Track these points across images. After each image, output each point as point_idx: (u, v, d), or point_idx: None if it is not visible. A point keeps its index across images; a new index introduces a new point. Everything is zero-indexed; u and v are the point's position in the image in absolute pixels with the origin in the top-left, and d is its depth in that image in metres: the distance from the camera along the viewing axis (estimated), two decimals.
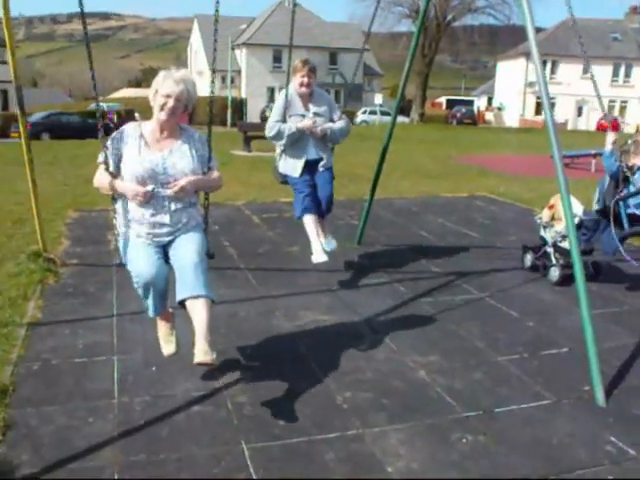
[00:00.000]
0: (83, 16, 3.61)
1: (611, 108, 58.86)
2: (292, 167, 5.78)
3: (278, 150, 5.92)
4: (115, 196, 3.76)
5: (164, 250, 3.72)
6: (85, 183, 11.48)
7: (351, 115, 51.60)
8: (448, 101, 68.96)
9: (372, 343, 4.47)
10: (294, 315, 4.97)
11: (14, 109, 40.93)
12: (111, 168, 3.67)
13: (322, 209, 5.82)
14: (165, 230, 3.68)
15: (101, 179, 3.70)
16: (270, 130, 5.68)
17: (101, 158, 3.71)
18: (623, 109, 58.90)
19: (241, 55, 57.39)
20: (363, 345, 4.44)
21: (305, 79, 5.57)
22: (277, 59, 57.02)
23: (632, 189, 5.86)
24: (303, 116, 5.68)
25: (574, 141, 31.12)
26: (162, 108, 3.60)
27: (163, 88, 3.59)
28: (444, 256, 6.90)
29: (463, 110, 52.89)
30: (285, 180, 5.93)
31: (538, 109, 59.17)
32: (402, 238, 7.67)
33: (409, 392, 3.79)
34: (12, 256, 6.27)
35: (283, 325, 4.78)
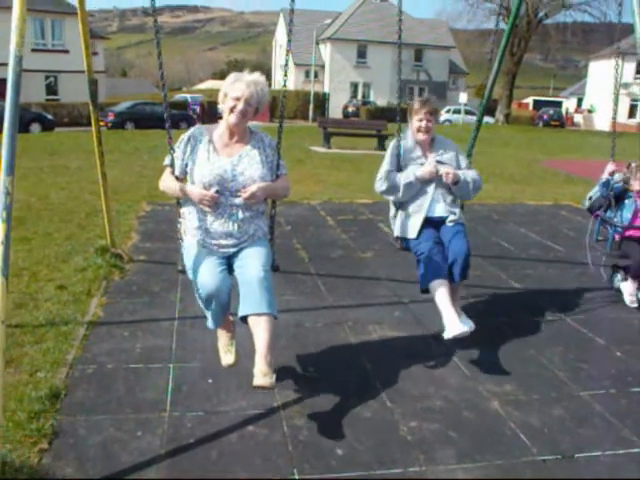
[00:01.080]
0: (155, 13, 3.55)
1: None
2: (409, 227, 4.59)
3: (392, 212, 4.86)
4: (181, 201, 3.68)
5: (228, 261, 3.57)
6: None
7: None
8: (535, 102, 66.90)
9: (443, 366, 4.16)
10: (362, 329, 4.71)
11: (102, 99, 42.43)
12: (177, 172, 3.60)
13: (454, 273, 4.41)
14: (232, 242, 3.55)
15: (167, 182, 3.65)
16: (381, 182, 4.62)
17: (167, 161, 3.66)
18: None
19: (325, 50, 57.31)
20: (434, 368, 4.13)
21: (424, 123, 4.59)
22: (361, 54, 56.68)
23: (617, 212, 5.70)
24: (423, 164, 4.63)
25: None
26: (232, 111, 3.51)
27: (233, 91, 3.51)
28: (525, 270, 6.48)
29: (551, 111, 51.09)
30: (405, 246, 4.70)
31: (632, 112, 56.68)
32: (481, 248, 7.25)
33: (480, 426, 3.46)
34: (82, 249, 6.27)
35: (350, 339, 4.52)
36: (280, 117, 3.89)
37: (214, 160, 3.52)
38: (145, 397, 3.58)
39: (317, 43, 53.43)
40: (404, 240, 4.67)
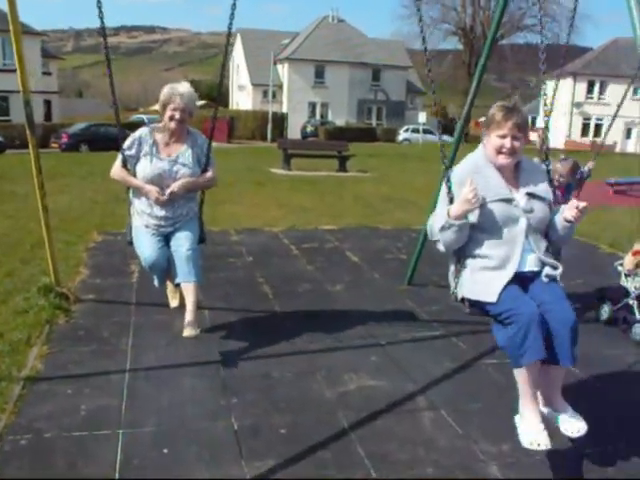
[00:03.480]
0: (104, 31, 4.07)
1: None
2: (485, 287, 3.21)
3: (452, 268, 3.51)
4: (130, 187, 4.51)
5: (166, 238, 4.51)
6: (115, 200, 10.97)
7: (393, 133, 50.97)
8: None
9: (431, 423, 3.68)
10: (337, 378, 4.22)
11: (57, 119, 41.33)
12: (128, 165, 4.43)
13: (559, 353, 3.18)
14: (169, 222, 4.48)
15: (123, 174, 4.43)
16: (441, 230, 3.26)
17: (119, 158, 4.43)
18: None
19: (283, 70, 57.14)
20: (421, 425, 3.65)
21: (508, 141, 3.22)
22: (319, 74, 56.61)
23: None
24: (509, 201, 3.25)
25: (629, 165, 29.95)
26: (171, 119, 4.35)
27: (171, 102, 4.32)
28: None
29: None
30: (477, 310, 3.38)
31: (585, 130, 57.78)
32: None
33: None
34: (23, 287, 5.66)
35: (324, 392, 4.01)
36: (212, 124, 4.61)
37: (156, 159, 4.40)
38: (90, 472, 3.04)
39: (275, 63, 53.23)
40: (476, 303, 3.30)
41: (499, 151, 3.24)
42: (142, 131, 4.47)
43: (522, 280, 3.24)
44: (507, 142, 3.20)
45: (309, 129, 48.70)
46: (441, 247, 3.33)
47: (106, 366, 4.22)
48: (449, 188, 3.32)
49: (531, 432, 3.03)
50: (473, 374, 4.41)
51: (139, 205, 4.49)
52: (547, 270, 3.28)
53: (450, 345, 4.94)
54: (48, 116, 42.04)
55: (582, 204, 3.21)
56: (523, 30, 46.75)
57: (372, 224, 10.05)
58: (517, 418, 3.20)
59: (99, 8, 3.92)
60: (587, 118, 57.83)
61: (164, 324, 4.97)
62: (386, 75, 58.18)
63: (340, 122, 52.43)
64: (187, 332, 4.21)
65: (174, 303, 4.96)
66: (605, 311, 5.57)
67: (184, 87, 4.39)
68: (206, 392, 3.89)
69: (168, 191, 4.35)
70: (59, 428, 3.41)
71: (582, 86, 57.59)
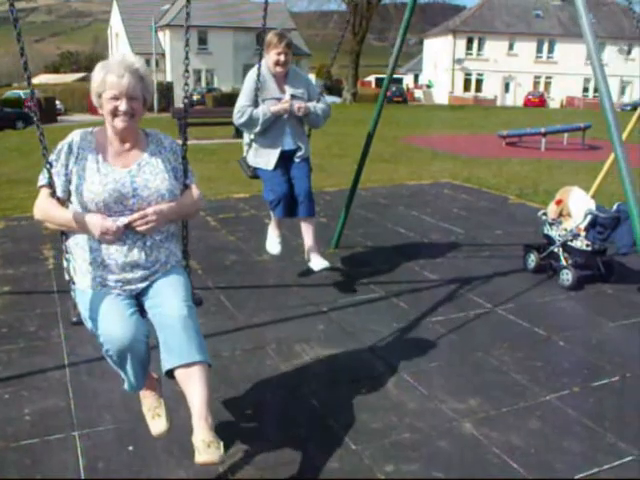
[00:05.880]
0: None
1: (536, 84, 59.91)
2: (265, 159, 5.06)
3: (246, 139, 5.19)
4: (66, 230, 2.74)
5: (138, 301, 2.76)
6: (7, 184, 10.23)
7: None
8: (377, 80, 68.64)
9: (396, 387, 3.64)
10: (289, 351, 4.09)
11: None
12: (58, 192, 2.69)
13: (301, 208, 5.10)
14: (139, 274, 2.74)
15: (47, 208, 2.69)
16: (240, 115, 4.90)
17: (43, 180, 2.71)
18: (548, 84, 59.98)
19: (165, 37, 55.18)
20: (385, 391, 3.60)
21: (282, 57, 4.85)
22: (202, 41, 55.16)
23: None
24: (278, 99, 4.95)
25: (511, 118, 31.20)
26: (115, 114, 2.68)
27: (107, 89, 2.66)
28: (434, 259, 6.13)
29: (393, 88, 52.41)
30: (256, 174, 5.18)
31: (466, 86, 59.65)
32: (381, 238, 6.87)
33: (463, 458, 2.98)
34: None
35: (280, 366, 3.88)
36: (184, 114, 3.16)
37: (106, 172, 2.68)
38: None
39: (156, 31, 51.27)
40: (257, 170, 5.11)
41: (276, 63, 4.84)
42: (75, 135, 2.78)
43: (286, 156, 5.04)
44: (282, 57, 4.82)
45: (196, 97, 47.44)
46: (254, 130, 4.95)
47: (41, 363, 3.88)
48: (257, 87, 4.88)
49: (272, 244, 5.48)
50: (422, 333, 4.41)
51: (84, 254, 2.72)
52: (298, 153, 5.09)
53: (392, 306, 4.92)
54: None
55: (296, 105, 4.90)
56: None
57: None
58: (268, 238, 5.52)
59: None
60: (468, 74, 59.68)
61: None
62: None
63: (226, 88, 51.38)
64: (205, 456, 2.45)
65: (159, 426, 2.88)
66: (532, 260, 5.72)
67: (124, 59, 2.73)
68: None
69: (143, 224, 2.66)
70: (4, 439, 3.08)
71: (462, 43, 59.28)
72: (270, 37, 4.86)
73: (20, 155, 14.35)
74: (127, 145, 2.79)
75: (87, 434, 3.12)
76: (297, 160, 5.13)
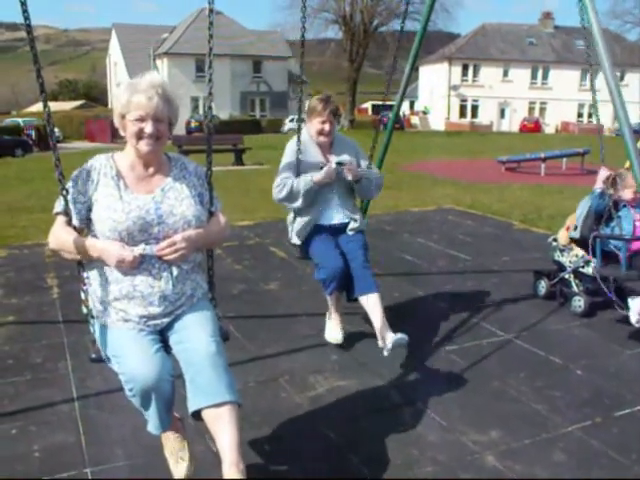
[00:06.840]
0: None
1: (532, 109, 60.41)
2: (308, 234, 4.47)
3: (290, 218, 4.60)
4: (84, 261, 2.64)
5: (162, 336, 2.65)
6: (8, 212, 10.18)
7: (278, 124, 50.82)
8: (374, 106, 69.17)
9: (414, 419, 3.55)
10: (303, 382, 4.01)
11: None
12: (75, 222, 2.59)
13: (361, 285, 4.28)
14: (163, 308, 2.62)
15: (63, 236, 2.57)
16: (280, 190, 4.33)
17: (59, 207, 2.62)
18: (543, 110, 60.44)
19: (162, 65, 55.57)
20: (403, 422, 3.51)
21: (327, 126, 4.33)
22: (200, 69, 55.48)
23: (615, 227, 5.13)
24: (322, 168, 4.35)
25: (508, 143, 31.38)
26: (140, 137, 2.58)
27: (132, 109, 2.57)
28: (443, 286, 6.07)
29: (390, 115, 52.78)
30: (307, 254, 4.53)
31: (462, 112, 60.08)
32: (389, 265, 6.80)
33: None
34: None
35: (294, 399, 3.80)
36: (207, 140, 2.98)
37: (129, 200, 2.57)
38: None
39: (154, 59, 51.66)
40: (304, 246, 4.50)
41: (320, 133, 4.36)
42: (94, 160, 2.68)
43: (335, 232, 4.43)
44: (326, 127, 4.33)
45: (193, 124, 47.67)
46: (296, 204, 4.35)
47: (49, 396, 3.79)
48: (298, 157, 4.34)
49: (332, 331, 4.51)
50: (436, 362, 4.33)
51: (107, 286, 2.60)
52: (352, 224, 4.46)
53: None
54: None
55: (346, 167, 4.28)
56: (399, 18, 47.60)
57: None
58: (327, 321, 4.60)
59: None
60: (464, 100, 60.17)
61: None
62: (267, 66, 57.87)
63: (224, 116, 51.65)
64: None
65: (182, 470, 2.71)
66: (542, 287, 5.66)
67: (151, 78, 2.62)
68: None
69: (172, 253, 2.58)
70: (13, 478, 2.99)
71: (457, 69, 59.87)
72: (314, 103, 4.38)
73: (20, 183, 14.34)
74: (151, 170, 2.70)
75: (100, 471, 3.03)
76: (350, 233, 4.46)
